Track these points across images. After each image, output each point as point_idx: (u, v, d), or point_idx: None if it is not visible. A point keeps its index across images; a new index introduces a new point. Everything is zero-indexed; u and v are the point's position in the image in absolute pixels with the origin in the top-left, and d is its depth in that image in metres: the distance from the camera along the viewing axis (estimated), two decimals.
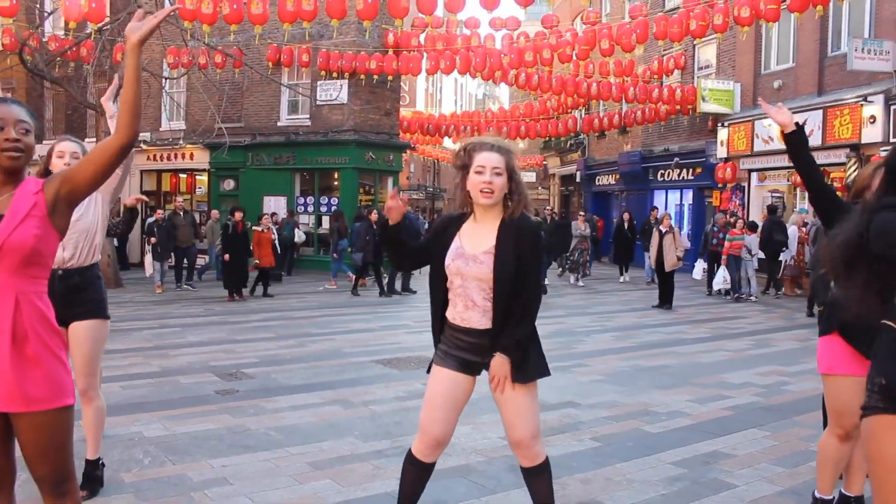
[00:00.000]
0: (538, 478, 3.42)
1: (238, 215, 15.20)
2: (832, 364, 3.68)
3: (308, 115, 22.26)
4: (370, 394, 6.89)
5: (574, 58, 19.23)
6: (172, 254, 16.88)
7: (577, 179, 32.50)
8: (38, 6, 19.64)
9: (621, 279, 19.89)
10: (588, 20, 19.39)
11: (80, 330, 4.20)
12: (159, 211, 17.69)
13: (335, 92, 21.40)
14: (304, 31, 16.40)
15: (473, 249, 3.27)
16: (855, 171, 16.41)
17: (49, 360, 2.57)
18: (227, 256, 14.93)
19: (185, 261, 17.40)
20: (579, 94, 22.57)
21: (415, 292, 16.43)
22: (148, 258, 16.80)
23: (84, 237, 4.31)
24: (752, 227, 16.57)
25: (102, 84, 19.57)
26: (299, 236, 21.07)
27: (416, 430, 4.07)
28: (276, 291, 16.10)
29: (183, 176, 25.46)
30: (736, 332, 11.39)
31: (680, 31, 16.30)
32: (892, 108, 15.64)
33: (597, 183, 30.36)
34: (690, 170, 23.41)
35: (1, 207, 2.55)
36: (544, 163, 39.90)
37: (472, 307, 3.27)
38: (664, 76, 23.29)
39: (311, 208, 22.59)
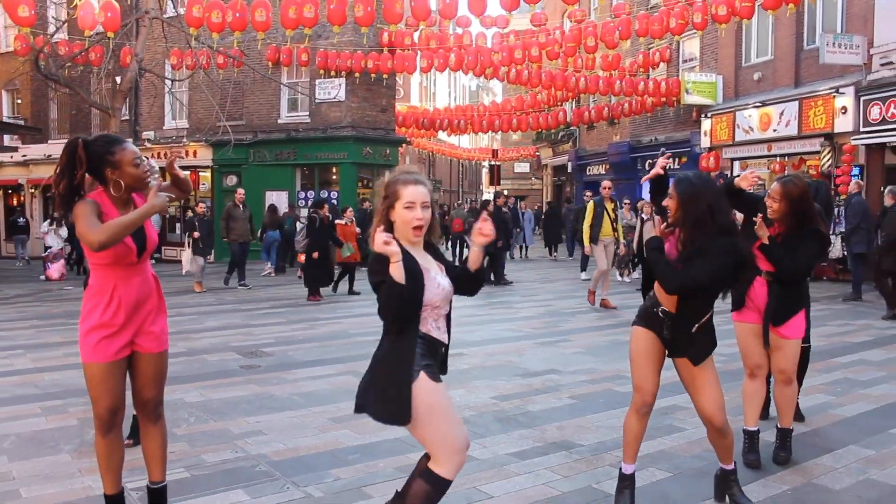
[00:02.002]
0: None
1: (325, 209, 14.30)
2: (734, 313, 4.82)
3: (307, 113, 23.14)
4: None
5: (562, 54, 20.13)
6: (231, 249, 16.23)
7: (569, 170, 33.41)
8: (50, 14, 20.41)
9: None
10: (574, 18, 20.24)
11: None
12: (201, 205, 17.00)
13: (333, 90, 22.29)
14: (302, 31, 17.30)
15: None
16: (829, 158, 17.35)
17: (164, 317, 3.76)
18: (315, 254, 13.77)
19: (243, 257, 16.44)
20: (568, 89, 23.48)
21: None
22: (187, 254, 15.52)
23: None
24: None
25: (107, 85, 20.44)
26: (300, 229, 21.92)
27: None
28: (282, 281, 16.99)
29: (186, 173, 26.18)
30: None
31: (661, 28, 17.20)
32: (862, 99, 16.54)
33: (588, 173, 31.25)
34: (676, 159, 24.29)
35: None
36: (537, 153, 40.78)
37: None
38: (650, 69, 24.16)
39: (311, 202, 23.41)
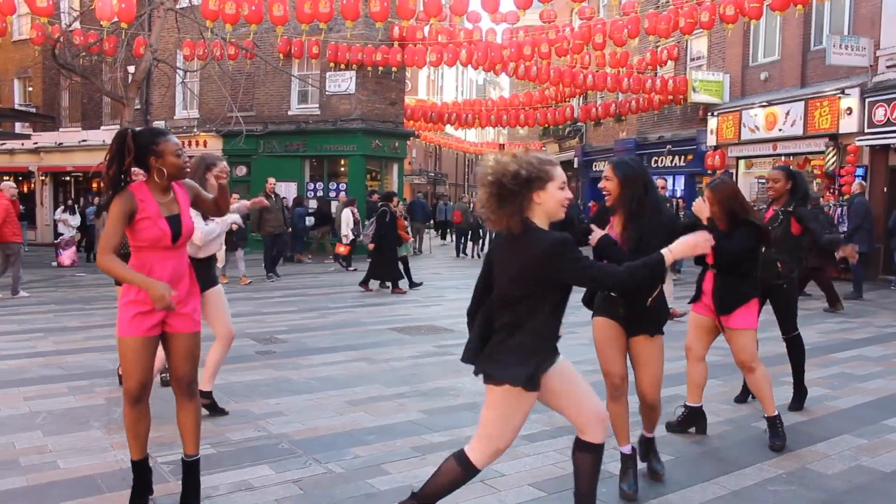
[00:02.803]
0: None
1: (396, 202, 14.07)
2: (692, 304, 5.45)
3: (317, 105, 23.39)
4: (389, 353, 8.07)
5: (570, 51, 20.33)
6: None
7: (575, 165, 33.56)
8: (65, 4, 20.64)
9: None
10: (583, 15, 20.41)
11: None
12: (234, 195, 15.82)
13: (344, 83, 22.54)
14: (314, 24, 17.53)
15: None
16: (833, 158, 17.55)
17: (197, 300, 4.00)
18: (371, 246, 13.71)
19: (275, 249, 16.19)
20: (576, 85, 23.65)
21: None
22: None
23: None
24: None
25: (120, 75, 20.70)
26: (309, 220, 22.21)
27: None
28: (291, 271, 17.25)
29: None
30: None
31: (669, 27, 17.39)
32: (867, 100, 16.74)
33: (594, 169, 31.40)
34: (682, 157, 24.51)
35: (174, 207, 3.90)
36: (543, 149, 40.88)
37: None
38: (658, 67, 24.33)
39: (320, 193, 23.72)
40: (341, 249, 16.80)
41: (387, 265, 13.76)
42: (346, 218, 16.71)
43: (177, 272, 3.89)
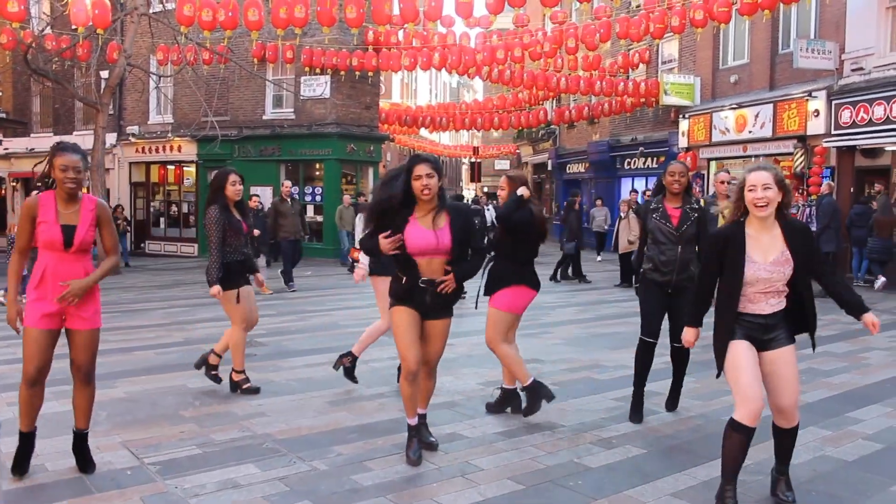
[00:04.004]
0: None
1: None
2: None
3: (292, 109, 23.44)
4: (368, 354, 8.12)
5: (543, 55, 20.55)
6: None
7: (549, 168, 33.88)
8: (37, 9, 20.56)
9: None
10: (556, 19, 20.63)
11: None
12: (255, 198, 15.47)
13: (318, 87, 22.60)
14: (289, 29, 17.59)
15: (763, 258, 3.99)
16: (802, 160, 17.91)
17: (94, 302, 4.46)
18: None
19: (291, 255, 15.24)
20: (549, 88, 23.90)
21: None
22: None
23: None
24: None
25: (93, 80, 20.62)
26: None
27: None
28: (268, 275, 17.26)
29: (171, 167, 26.50)
30: None
31: (640, 31, 17.65)
32: (834, 102, 17.10)
33: (567, 171, 31.73)
34: (655, 158, 24.82)
35: (74, 218, 4.36)
36: (517, 151, 41.21)
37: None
38: (630, 70, 24.64)
39: (295, 198, 23.69)
40: (356, 255, 16.69)
41: None
42: (360, 222, 16.62)
43: (70, 275, 4.34)
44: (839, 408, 6.16)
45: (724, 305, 4.07)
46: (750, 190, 3.93)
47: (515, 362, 5.68)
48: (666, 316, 5.77)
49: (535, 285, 5.80)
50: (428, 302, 4.63)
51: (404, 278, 4.63)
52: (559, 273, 16.64)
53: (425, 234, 4.53)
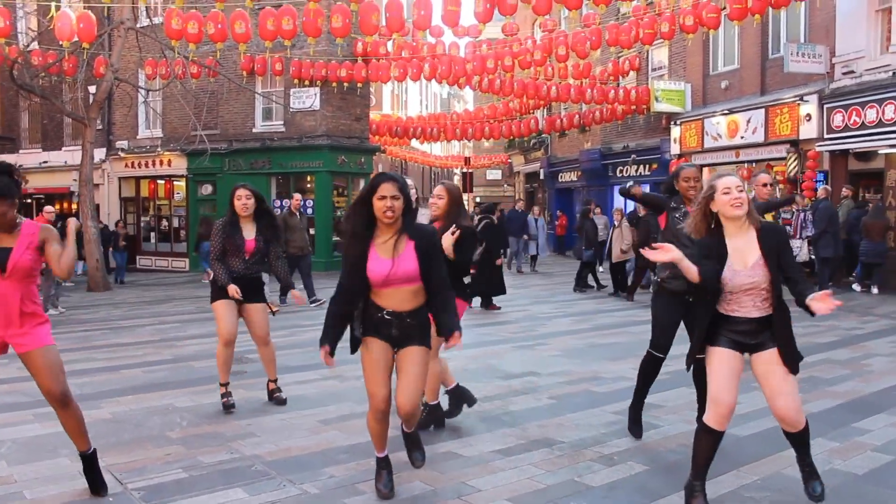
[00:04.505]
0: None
1: (499, 214, 13.21)
2: None
3: (282, 122, 23.29)
4: (360, 371, 7.89)
5: (533, 63, 20.45)
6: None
7: (541, 177, 33.78)
8: (23, 24, 20.39)
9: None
10: (545, 27, 20.55)
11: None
12: (297, 196, 15.10)
13: (308, 99, 22.48)
14: (278, 41, 17.44)
15: (743, 265, 4.00)
16: (795, 164, 17.82)
17: (32, 325, 4.31)
18: (499, 260, 13.51)
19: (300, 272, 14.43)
20: (540, 97, 23.79)
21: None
22: None
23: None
24: None
25: (81, 95, 20.44)
26: None
27: None
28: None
29: (161, 182, 26.31)
30: None
31: (630, 37, 17.57)
32: (825, 106, 17.03)
33: (560, 180, 31.64)
34: (647, 165, 24.76)
35: (10, 242, 4.18)
36: (509, 161, 41.15)
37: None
38: (620, 77, 24.56)
39: (304, 212, 23.52)
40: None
41: (488, 281, 13.18)
42: None
43: (4, 303, 4.20)
44: (845, 418, 6.00)
45: (705, 309, 4.17)
46: (725, 193, 3.96)
47: (435, 377, 5.61)
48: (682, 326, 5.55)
49: (464, 297, 5.73)
50: (394, 335, 4.26)
51: (372, 308, 4.25)
52: (582, 282, 16.49)
53: (382, 263, 4.12)
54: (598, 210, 17.61)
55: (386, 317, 4.22)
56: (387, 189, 4.06)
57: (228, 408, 6.41)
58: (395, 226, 4.14)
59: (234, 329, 6.56)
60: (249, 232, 6.48)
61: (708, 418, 4.05)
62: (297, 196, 15.16)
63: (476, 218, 13.63)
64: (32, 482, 4.71)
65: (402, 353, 4.30)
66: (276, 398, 6.64)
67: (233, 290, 6.32)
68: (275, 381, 6.75)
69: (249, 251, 6.45)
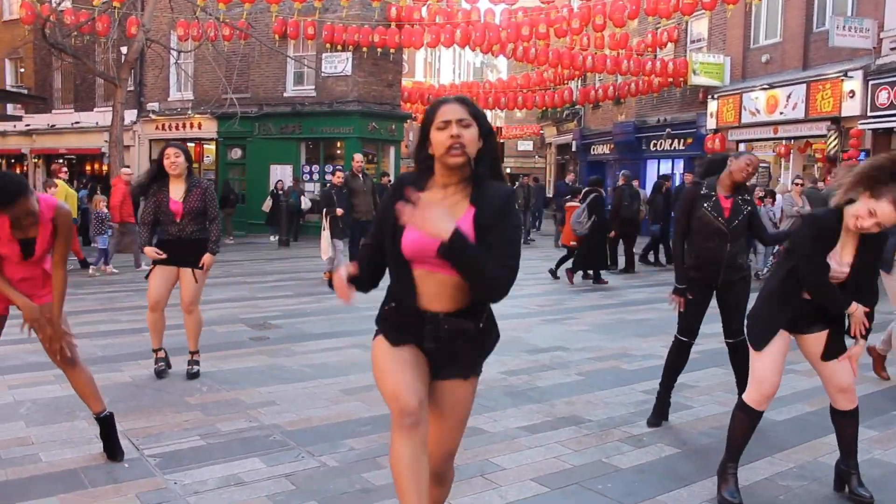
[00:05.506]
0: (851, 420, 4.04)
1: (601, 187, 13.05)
2: None
3: (313, 87, 23.09)
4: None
5: (569, 32, 20.06)
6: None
7: (573, 149, 33.33)
8: None
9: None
10: None
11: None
12: (339, 172, 13.05)
13: (340, 64, 22.24)
14: (310, 4, 17.22)
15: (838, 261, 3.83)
16: (835, 142, 17.34)
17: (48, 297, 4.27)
18: (613, 233, 13.44)
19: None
20: (575, 67, 23.35)
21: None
22: (325, 237, 12.06)
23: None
24: (771, 195, 15.38)
25: (113, 55, 20.39)
26: (305, 203, 21.96)
27: None
28: (286, 255, 17.03)
29: (191, 145, 26.25)
30: None
31: (669, 8, 17.13)
32: (871, 83, 16.51)
33: (592, 152, 31.17)
34: (682, 140, 24.27)
35: (34, 231, 4.09)
36: (541, 132, 40.68)
37: None
38: (657, 49, 24.05)
39: (316, 177, 23.46)
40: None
41: (595, 253, 12.95)
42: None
43: (27, 278, 4.23)
44: (886, 405, 5.78)
45: (792, 293, 3.91)
46: (870, 213, 3.58)
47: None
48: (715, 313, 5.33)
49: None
50: (428, 348, 2.75)
51: (393, 303, 2.83)
52: (649, 255, 16.20)
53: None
54: (635, 183, 17.28)
55: (419, 317, 2.73)
56: (450, 112, 2.65)
57: (160, 374, 6.21)
58: (462, 172, 2.69)
59: (161, 294, 6.20)
60: (178, 193, 6.07)
61: (749, 397, 3.93)
62: (359, 156, 13.74)
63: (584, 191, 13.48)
64: (49, 444, 4.64)
65: (437, 387, 2.81)
66: (187, 371, 6.29)
67: (150, 251, 6.04)
68: (193, 353, 6.39)
69: (179, 213, 6.05)
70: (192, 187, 6.10)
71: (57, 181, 13.76)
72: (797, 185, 13.43)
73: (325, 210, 12.13)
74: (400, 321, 2.79)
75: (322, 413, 5.35)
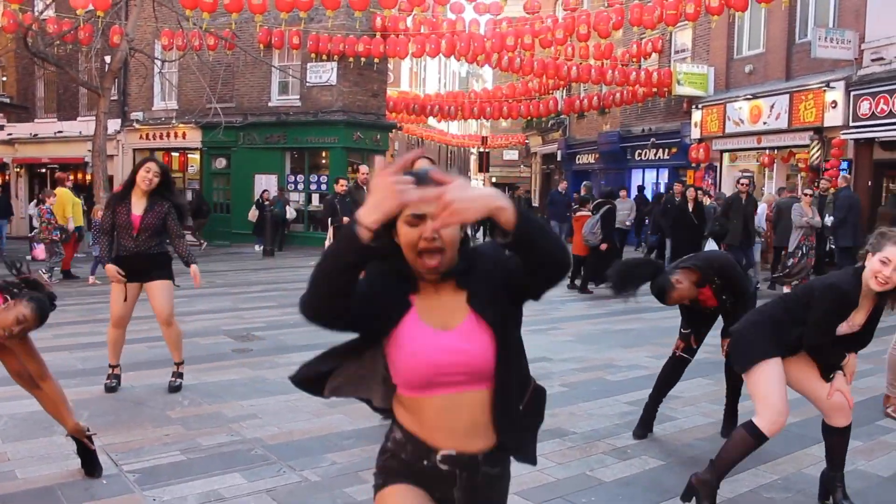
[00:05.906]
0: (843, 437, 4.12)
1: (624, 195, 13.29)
2: None
3: (298, 96, 23.05)
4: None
5: (554, 42, 20.12)
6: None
7: (558, 158, 33.39)
8: None
9: None
10: (568, 6, 20.19)
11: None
12: (343, 181, 12.56)
13: (325, 74, 22.21)
14: (295, 14, 17.18)
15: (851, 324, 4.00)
16: (818, 152, 17.45)
17: None
18: (604, 246, 12.87)
19: None
20: (560, 77, 23.42)
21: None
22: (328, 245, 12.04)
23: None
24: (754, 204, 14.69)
25: (96, 64, 20.29)
26: (290, 213, 21.91)
27: None
28: (271, 265, 16.95)
29: (175, 154, 26.18)
30: None
31: (653, 18, 17.20)
32: (852, 93, 16.63)
33: (577, 162, 31.24)
34: (666, 150, 24.35)
35: None
36: (526, 141, 40.77)
37: None
38: (642, 59, 24.13)
39: (301, 186, 23.40)
40: None
41: (606, 263, 12.95)
42: None
43: None
44: (869, 415, 5.78)
45: (788, 340, 4.00)
46: (882, 262, 3.64)
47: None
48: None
49: None
50: (458, 498, 2.09)
51: (408, 445, 2.09)
52: None
53: (437, 337, 2.02)
54: (622, 193, 17.32)
55: (442, 465, 2.05)
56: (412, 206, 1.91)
57: (109, 389, 6.10)
58: (448, 261, 2.01)
59: (126, 311, 6.14)
60: (139, 207, 5.96)
61: (763, 424, 3.85)
62: (364, 168, 13.64)
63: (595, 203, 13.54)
64: (26, 460, 4.58)
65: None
66: (169, 384, 6.21)
67: (111, 270, 5.94)
68: (178, 364, 6.33)
69: (136, 227, 5.92)
70: (154, 205, 5.98)
71: (57, 191, 13.70)
72: (807, 195, 13.35)
73: (329, 218, 11.52)
74: (411, 472, 2.06)
75: (304, 426, 5.30)
